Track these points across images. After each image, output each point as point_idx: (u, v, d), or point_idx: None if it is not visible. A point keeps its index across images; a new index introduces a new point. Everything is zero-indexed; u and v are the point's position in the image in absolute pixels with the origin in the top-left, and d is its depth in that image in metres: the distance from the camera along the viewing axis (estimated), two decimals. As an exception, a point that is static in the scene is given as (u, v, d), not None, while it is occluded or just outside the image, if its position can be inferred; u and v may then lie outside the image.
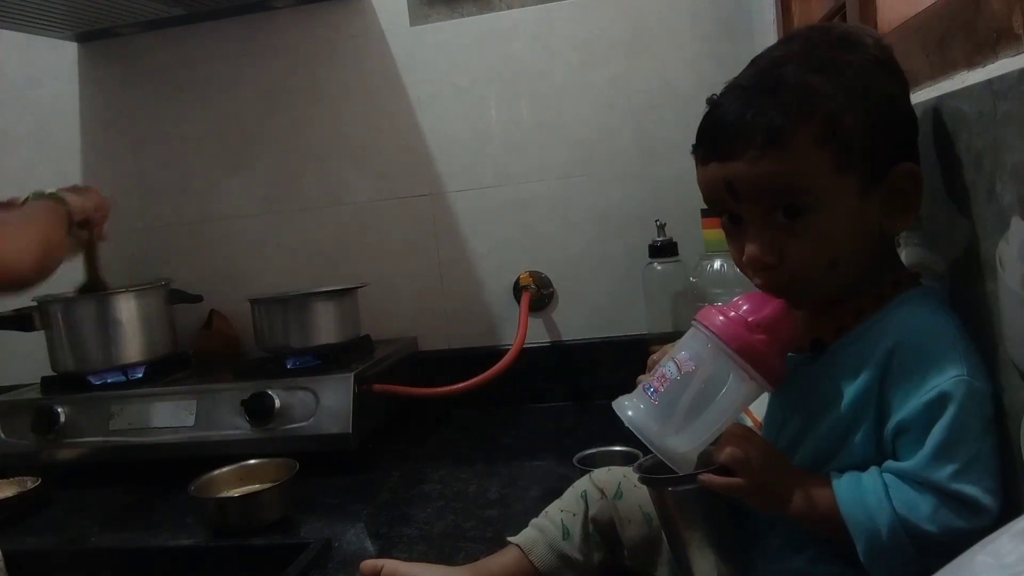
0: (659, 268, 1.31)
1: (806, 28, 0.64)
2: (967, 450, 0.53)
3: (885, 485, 0.55)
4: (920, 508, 0.54)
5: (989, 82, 0.50)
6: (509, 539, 0.78)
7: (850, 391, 0.58)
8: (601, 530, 0.75)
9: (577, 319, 1.45)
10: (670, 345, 0.63)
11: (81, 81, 1.58)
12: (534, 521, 0.78)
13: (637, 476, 0.65)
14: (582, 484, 0.79)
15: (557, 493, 0.80)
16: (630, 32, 1.39)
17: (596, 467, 0.82)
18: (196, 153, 1.56)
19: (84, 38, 1.54)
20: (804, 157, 0.56)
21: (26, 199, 1.08)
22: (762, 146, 0.56)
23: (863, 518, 0.55)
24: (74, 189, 1.09)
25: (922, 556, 0.54)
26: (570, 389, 1.44)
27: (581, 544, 0.75)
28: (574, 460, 1.04)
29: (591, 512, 0.76)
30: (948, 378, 0.54)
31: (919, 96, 0.65)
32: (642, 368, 0.72)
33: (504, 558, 0.76)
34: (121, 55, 1.56)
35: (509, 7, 1.42)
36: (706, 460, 0.60)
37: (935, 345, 0.56)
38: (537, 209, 1.45)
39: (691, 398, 0.57)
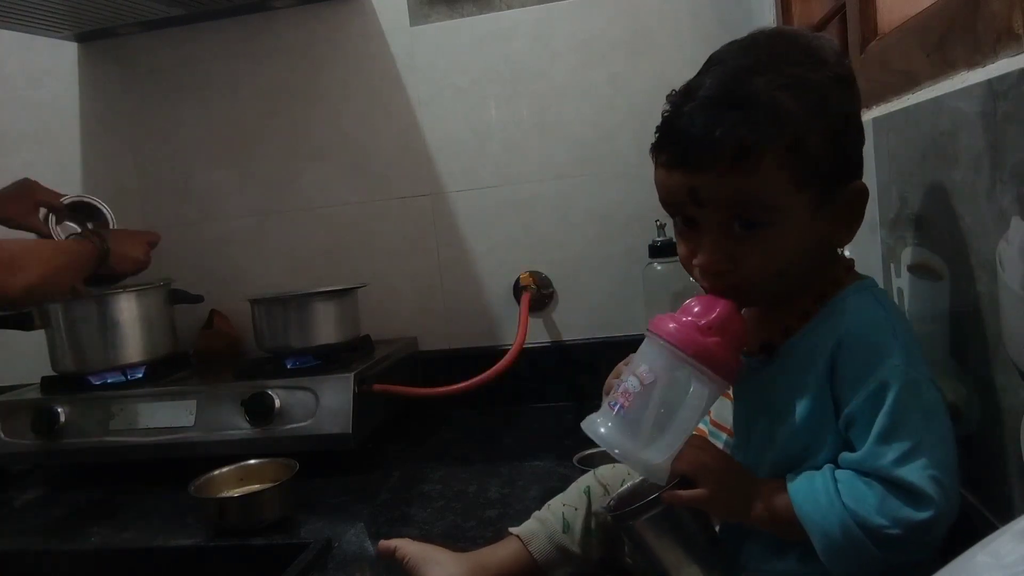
0: (659, 268, 1.31)
1: (771, 33, 0.63)
2: (908, 437, 0.54)
3: (835, 481, 0.56)
4: (867, 500, 0.54)
5: (989, 82, 0.50)
6: (510, 530, 0.78)
7: (806, 392, 0.60)
8: (602, 526, 0.76)
9: (577, 319, 1.45)
10: (631, 355, 0.63)
11: (81, 81, 1.58)
12: (536, 513, 0.79)
13: (609, 517, 0.65)
14: (586, 480, 0.79)
15: (557, 493, 0.80)
16: (630, 32, 1.39)
17: (596, 467, 0.82)
18: (196, 153, 1.56)
19: (84, 38, 1.54)
20: (770, 176, 0.56)
21: (71, 235, 1.20)
22: (731, 161, 0.56)
23: (817, 517, 0.56)
24: (132, 234, 1.13)
25: (884, 552, 0.54)
26: (570, 389, 1.44)
27: (581, 538, 0.75)
28: (574, 460, 1.04)
29: (593, 507, 0.76)
30: (887, 368, 0.55)
31: (919, 96, 0.65)
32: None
33: (504, 549, 0.77)
34: (121, 55, 1.56)
35: (509, 7, 1.42)
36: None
37: (875, 338, 0.57)
38: (537, 209, 1.45)
39: (656, 409, 0.58)
